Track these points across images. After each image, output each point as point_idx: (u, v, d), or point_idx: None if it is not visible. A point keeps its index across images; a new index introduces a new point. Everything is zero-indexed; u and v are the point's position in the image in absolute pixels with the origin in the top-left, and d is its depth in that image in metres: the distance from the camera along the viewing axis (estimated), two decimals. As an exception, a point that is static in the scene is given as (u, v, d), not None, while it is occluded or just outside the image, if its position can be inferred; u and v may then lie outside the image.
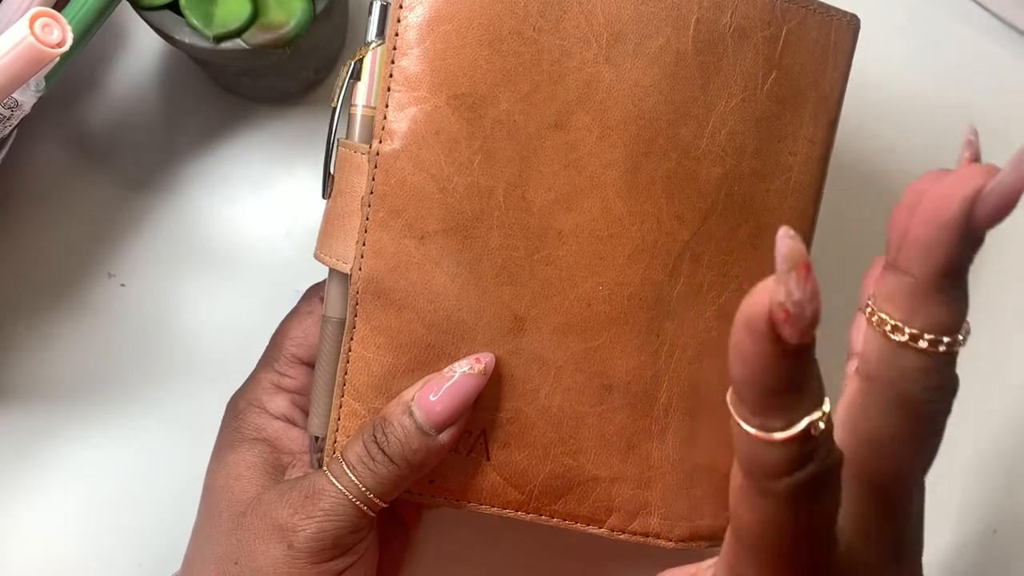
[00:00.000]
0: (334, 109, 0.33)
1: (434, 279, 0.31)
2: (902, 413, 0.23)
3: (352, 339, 0.32)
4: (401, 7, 0.31)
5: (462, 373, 0.31)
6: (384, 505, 0.31)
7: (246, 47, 0.37)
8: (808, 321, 0.19)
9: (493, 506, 0.33)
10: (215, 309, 0.42)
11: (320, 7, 0.37)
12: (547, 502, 0.33)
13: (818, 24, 0.33)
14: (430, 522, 0.41)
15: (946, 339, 0.22)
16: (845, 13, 0.34)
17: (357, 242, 0.31)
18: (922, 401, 0.23)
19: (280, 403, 0.35)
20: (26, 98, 0.33)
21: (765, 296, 0.19)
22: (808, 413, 0.20)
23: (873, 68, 0.47)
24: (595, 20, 0.31)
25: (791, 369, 0.20)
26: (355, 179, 0.32)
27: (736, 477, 0.23)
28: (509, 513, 0.33)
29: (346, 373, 0.32)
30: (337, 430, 0.32)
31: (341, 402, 0.32)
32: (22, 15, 0.29)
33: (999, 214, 0.21)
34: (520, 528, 0.42)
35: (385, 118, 0.31)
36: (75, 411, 0.41)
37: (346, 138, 0.33)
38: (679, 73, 0.32)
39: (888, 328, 0.23)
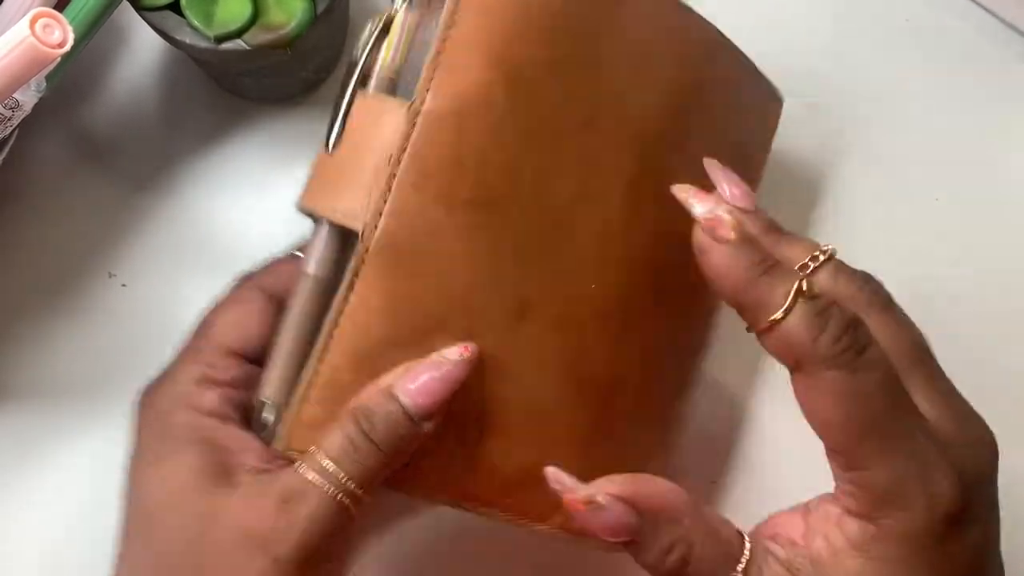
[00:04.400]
0: (355, 62, 0.31)
1: (454, 249, 0.30)
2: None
3: (347, 300, 0.29)
4: None
5: (451, 360, 0.29)
6: (368, 499, 0.29)
7: (247, 47, 0.37)
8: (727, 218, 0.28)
9: (453, 496, 0.31)
10: (216, 309, 0.42)
11: (321, 7, 0.37)
12: (504, 495, 0.32)
13: (761, 96, 0.38)
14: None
15: (816, 257, 0.28)
16: (775, 91, 0.39)
17: (377, 198, 0.30)
18: (860, 299, 0.28)
19: (212, 398, 0.31)
20: (27, 98, 0.33)
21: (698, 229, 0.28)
22: (793, 281, 0.26)
23: (873, 68, 0.47)
24: (625, 41, 0.33)
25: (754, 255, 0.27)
26: (378, 133, 0.30)
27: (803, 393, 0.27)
28: (466, 505, 0.31)
29: (331, 337, 0.29)
30: (306, 399, 0.29)
31: (318, 368, 0.29)
32: (23, 15, 0.29)
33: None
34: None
35: (432, 79, 0.30)
36: (75, 411, 0.41)
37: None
38: (673, 105, 0.34)
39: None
